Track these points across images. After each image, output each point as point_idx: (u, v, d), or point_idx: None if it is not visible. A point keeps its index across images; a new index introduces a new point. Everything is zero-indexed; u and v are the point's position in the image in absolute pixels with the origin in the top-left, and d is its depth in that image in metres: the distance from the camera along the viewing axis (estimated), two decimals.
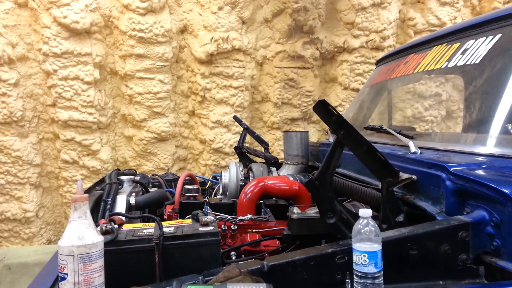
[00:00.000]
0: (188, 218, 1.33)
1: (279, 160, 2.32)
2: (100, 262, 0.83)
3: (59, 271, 0.81)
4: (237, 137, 3.70)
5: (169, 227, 1.08)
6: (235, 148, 2.53)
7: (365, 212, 0.97)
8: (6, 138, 3.31)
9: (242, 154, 2.50)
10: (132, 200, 1.48)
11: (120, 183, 1.57)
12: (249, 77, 3.64)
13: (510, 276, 0.96)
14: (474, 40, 1.63)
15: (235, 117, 2.63)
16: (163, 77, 3.46)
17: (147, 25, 3.28)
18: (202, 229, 1.08)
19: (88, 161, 3.50)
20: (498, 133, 1.41)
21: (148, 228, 1.08)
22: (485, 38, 1.58)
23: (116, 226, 1.04)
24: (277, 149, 3.84)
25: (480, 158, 1.30)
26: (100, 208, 1.34)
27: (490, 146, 1.37)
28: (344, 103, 3.84)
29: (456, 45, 1.71)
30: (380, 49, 3.79)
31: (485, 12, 3.97)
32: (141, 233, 1.05)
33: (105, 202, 1.36)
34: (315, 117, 3.90)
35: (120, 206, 1.40)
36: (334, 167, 1.07)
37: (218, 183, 2.27)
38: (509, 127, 1.46)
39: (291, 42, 3.64)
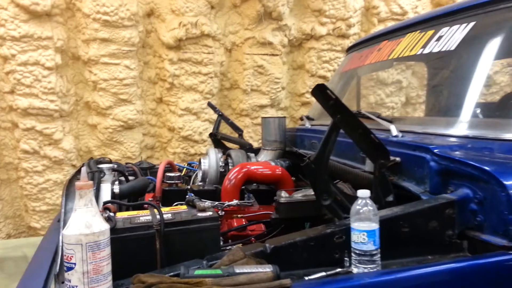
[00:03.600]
0: (176, 205, 1.32)
1: (254, 146, 2.34)
2: (108, 250, 0.81)
3: (66, 261, 0.78)
4: (206, 125, 3.68)
5: (166, 213, 1.07)
6: (210, 134, 2.51)
7: (364, 192, 1.00)
8: None
9: (217, 140, 2.49)
10: (116, 189, 1.44)
11: (101, 171, 1.53)
12: (218, 63, 3.60)
13: (492, 249, 1.03)
14: (448, 27, 1.71)
15: (209, 104, 2.61)
16: (129, 63, 3.35)
17: (112, 8, 3.15)
18: (200, 214, 1.08)
19: (50, 151, 3.34)
20: (470, 116, 1.50)
21: (144, 216, 1.06)
22: (459, 25, 1.65)
23: (112, 214, 1.01)
24: (246, 136, 3.84)
25: (457, 140, 1.38)
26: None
27: (463, 127, 1.46)
28: (311, 90, 3.89)
29: (431, 32, 1.78)
30: (346, 37, 3.88)
31: (445, 1, 4.15)
32: (138, 221, 1.03)
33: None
34: (283, 103, 3.94)
35: (105, 194, 1.36)
36: (330, 151, 1.09)
37: (194, 170, 2.26)
38: (479, 111, 1.56)
39: (260, 29, 3.63)
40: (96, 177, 1.39)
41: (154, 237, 0.99)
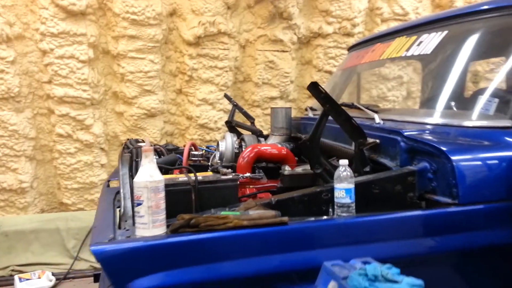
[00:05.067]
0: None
1: (264, 133, 2.69)
2: (163, 194, 1.18)
3: (136, 199, 1.16)
4: (221, 114, 4.05)
5: (198, 176, 1.44)
6: (226, 122, 2.88)
7: (344, 161, 1.36)
8: (4, 113, 3.51)
9: (232, 127, 2.85)
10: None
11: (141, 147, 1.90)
12: (233, 58, 3.96)
13: (441, 206, 1.38)
14: (428, 34, 2.04)
15: (225, 95, 2.97)
16: (153, 57, 3.73)
17: (139, 8, 3.53)
18: (223, 177, 1.45)
19: (82, 135, 3.74)
20: (441, 108, 1.85)
21: (182, 178, 1.44)
22: (435, 33, 1.99)
23: None
24: (257, 125, 4.20)
25: (428, 126, 1.72)
26: (133, 165, 1.67)
27: (436, 117, 1.80)
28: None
29: (414, 37, 2.12)
30: (351, 35, 4.20)
31: (444, 3, 4.45)
32: (178, 181, 1.40)
33: (136, 161, 1.69)
34: (292, 96, 4.29)
35: None
36: (321, 132, 1.45)
37: (212, 152, 2.63)
38: (451, 103, 1.91)
39: (272, 27, 3.98)
40: (139, 151, 1.77)
41: (191, 191, 1.36)
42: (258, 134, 2.58)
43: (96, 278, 2.24)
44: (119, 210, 1.38)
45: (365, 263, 0.98)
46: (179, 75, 3.98)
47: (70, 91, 3.58)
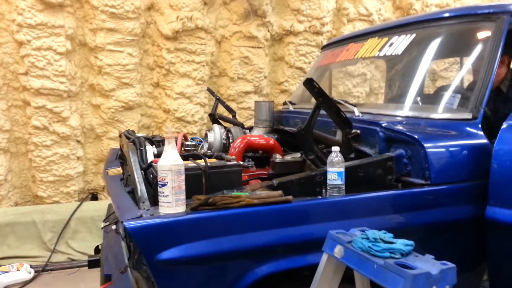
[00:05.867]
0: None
1: (245, 126, 2.87)
2: (183, 176, 1.33)
3: (160, 181, 1.30)
4: (198, 108, 4.18)
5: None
6: (209, 115, 3.02)
7: (336, 148, 1.57)
8: None
9: (215, 120, 3.00)
10: (155, 150, 1.95)
11: (140, 137, 2.02)
12: (210, 53, 4.10)
13: (416, 186, 1.62)
14: (397, 36, 2.29)
15: (208, 89, 3.12)
16: (131, 51, 3.79)
17: (118, 2, 3.58)
18: (228, 163, 1.61)
19: (58, 127, 3.74)
20: (411, 102, 2.11)
21: (190, 163, 1.58)
22: (405, 35, 2.24)
23: None
24: None
25: (401, 119, 1.97)
26: (137, 153, 1.79)
27: (406, 110, 2.05)
28: (289, 79, 4.47)
29: (385, 39, 2.36)
30: (320, 34, 4.45)
31: (404, 5, 4.79)
32: (189, 166, 1.55)
33: (140, 150, 1.82)
34: (265, 91, 4.48)
35: (150, 153, 1.87)
36: (314, 122, 1.65)
37: (199, 144, 2.77)
38: (418, 99, 2.17)
39: (246, 24, 4.14)
40: (142, 141, 1.90)
41: (201, 175, 1.52)
42: (241, 126, 2.75)
43: (91, 264, 2.35)
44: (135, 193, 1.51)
45: (362, 231, 1.19)
46: (157, 68, 4.06)
47: (47, 83, 3.57)
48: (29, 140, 3.76)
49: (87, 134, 4.02)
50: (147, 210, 1.37)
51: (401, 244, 1.04)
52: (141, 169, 1.63)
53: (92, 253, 2.50)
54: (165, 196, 1.30)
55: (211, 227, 1.31)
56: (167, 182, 1.29)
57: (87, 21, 3.72)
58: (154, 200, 1.43)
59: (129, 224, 1.22)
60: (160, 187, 1.31)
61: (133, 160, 1.63)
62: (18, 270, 3.38)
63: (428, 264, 0.95)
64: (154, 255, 1.24)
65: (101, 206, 3.85)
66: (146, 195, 1.47)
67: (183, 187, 1.33)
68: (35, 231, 3.67)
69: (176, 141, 2.16)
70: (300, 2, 4.25)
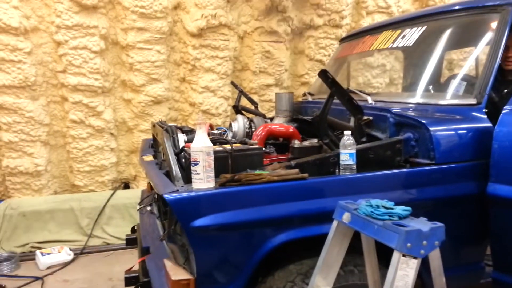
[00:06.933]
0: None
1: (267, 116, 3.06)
2: (212, 157, 1.54)
3: (193, 161, 1.51)
4: (222, 101, 4.39)
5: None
6: (233, 106, 3.23)
7: (348, 132, 1.74)
8: (21, 101, 3.77)
9: (239, 111, 3.20)
10: (185, 138, 2.17)
11: (171, 126, 2.25)
12: (233, 49, 4.30)
13: (422, 165, 1.78)
14: (410, 28, 2.43)
15: (232, 83, 3.32)
16: (160, 48, 4.04)
17: (148, 2, 3.82)
18: (251, 147, 1.81)
19: (94, 121, 4.03)
20: (422, 90, 2.25)
21: (218, 148, 1.79)
22: (416, 28, 2.38)
23: None
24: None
25: (411, 105, 2.12)
26: (171, 140, 2.02)
27: (416, 98, 2.20)
28: (309, 72, 4.62)
29: (398, 31, 2.50)
30: (339, 27, 4.58)
31: None
32: (217, 149, 1.75)
33: (173, 137, 2.04)
34: (286, 83, 4.65)
35: (181, 140, 2.09)
36: (329, 110, 1.83)
37: (223, 133, 2.98)
38: (429, 87, 2.30)
39: (268, 20, 4.32)
40: (174, 129, 2.12)
41: (227, 157, 1.72)
42: (263, 116, 2.94)
43: (129, 242, 2.59)
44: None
45: (367, 201, 1.36)
46: (183, 64, 4.29)
47: (83, 79, 3.86)
48: (67, 133, 4.06)
49: (120, 127, 4.29)
50: (182, 186, 1.59)
51: (400, 209, 1.22)
52: (174, 153, 1.85)
53: (125, 237, 2.72)
54: (197, 173, 1.51)
55: (237, 200, 1.51)
56: (199, 161, 1.50)
57: (118, 21, 3.98)
58: (185, 180, 1.65)
59: (169, 196, 1.43)
60: (193, 166, 1.52)
61: (168, 146, 1.85)
62: (59, 252, 3.69)
63: (420, 224, 1.12)
64: (189, 223, 1.45)
65: (133, 194, 4.14)
66: (180, 175, 1.69)
67: (212, 166, 1.53)
68: (73, 218, 3.98)
69: (181, 130, 2.37)
70: None
